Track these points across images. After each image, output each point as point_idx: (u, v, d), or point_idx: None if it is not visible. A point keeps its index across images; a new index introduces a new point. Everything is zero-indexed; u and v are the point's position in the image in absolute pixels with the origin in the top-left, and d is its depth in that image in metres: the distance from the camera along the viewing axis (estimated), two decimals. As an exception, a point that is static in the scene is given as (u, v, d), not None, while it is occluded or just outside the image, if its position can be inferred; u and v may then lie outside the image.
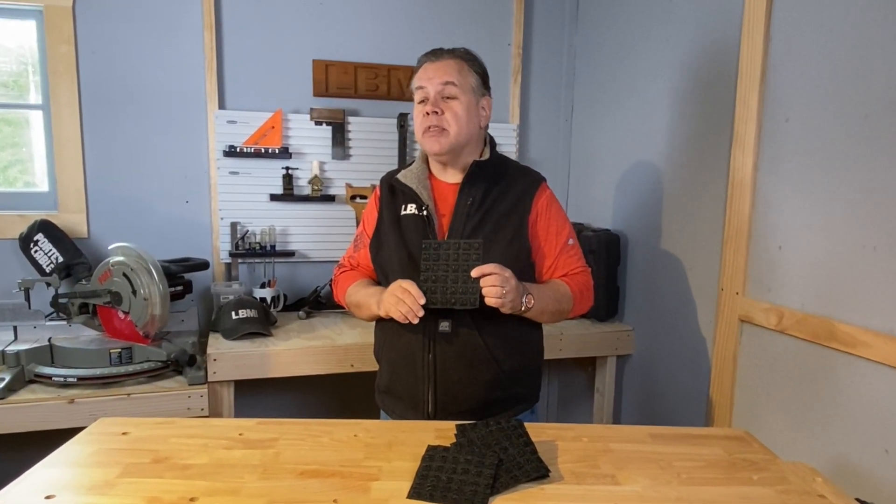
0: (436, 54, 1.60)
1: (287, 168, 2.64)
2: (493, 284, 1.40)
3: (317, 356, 2.20)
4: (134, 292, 2.08)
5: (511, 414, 1.58)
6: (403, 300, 1.43)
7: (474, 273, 1.42)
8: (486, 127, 1.67)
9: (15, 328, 2.30)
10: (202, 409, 2.01)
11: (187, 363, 2.07)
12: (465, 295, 1.43)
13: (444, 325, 1.52)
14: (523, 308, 1.48)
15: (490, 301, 1.41)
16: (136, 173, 2.53)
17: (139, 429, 1.32)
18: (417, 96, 1.59)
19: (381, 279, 1.65)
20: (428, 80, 1.56)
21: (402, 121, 2.73)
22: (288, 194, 2.66)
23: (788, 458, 1.30)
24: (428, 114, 1.55)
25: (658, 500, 1.09)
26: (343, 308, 2.56)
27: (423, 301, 1.42)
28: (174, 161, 2.57)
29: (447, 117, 1.55)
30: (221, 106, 2.59)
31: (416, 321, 1.43)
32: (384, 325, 1.64)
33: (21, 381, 1.97)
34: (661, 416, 2.40)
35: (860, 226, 1.55)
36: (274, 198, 2.65)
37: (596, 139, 2.84)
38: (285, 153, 2.63)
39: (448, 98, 1.56)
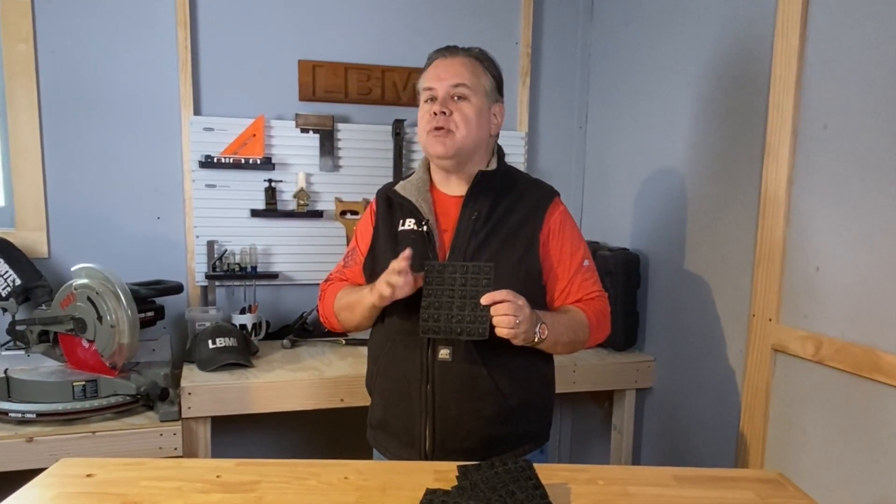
0: (450, 51, 1.63)
1: (270, 180, 2.66)
2: (506, 313, 1.40)
3: (303, 389, 2.21)
4: (99, 318, 2.10)
5: (518, 454, 1.59)
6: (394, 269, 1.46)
7: (484, 300, 1.41)
8: (497, 136, 1.69)
9: (-34, 358, 2.31)
10: (175, 449, 2.02)
11: (159, 397, 2.08)
12: (473, 324, 1.42)
13: (444, 354, 1.53)
14: (536, 339, 1.47)
15: (501, 332, 1.41)
16: (101, 186, 2.55)
17: (105, 470, 1.34)
18: (424, 96, 1.62)
19: None
20: (438, 81, 1.59)
21: (398, 128, 2.76)
22: (271, 209, 2.68)
23: (827, 503, 1.31)
24: (435, 114, 1.57)
25: (682, 550, 1.10)
26: (332, 335, 2.61)
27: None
28: (144, 173, 2.59)
29: (455, 118, 1.57)
30: (197, 111, 2.62)
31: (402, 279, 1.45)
32: (378, 353, 1.65)
33: (-27, 417, 1.98)
34: (686, 455, 2.41)
35: (905, 245, 1.57)
36: (255, 213, 2.68)
37: (613, 148, 2.87)
38: (268, 164, 2.66)
39: (459, 98, 1.58)
